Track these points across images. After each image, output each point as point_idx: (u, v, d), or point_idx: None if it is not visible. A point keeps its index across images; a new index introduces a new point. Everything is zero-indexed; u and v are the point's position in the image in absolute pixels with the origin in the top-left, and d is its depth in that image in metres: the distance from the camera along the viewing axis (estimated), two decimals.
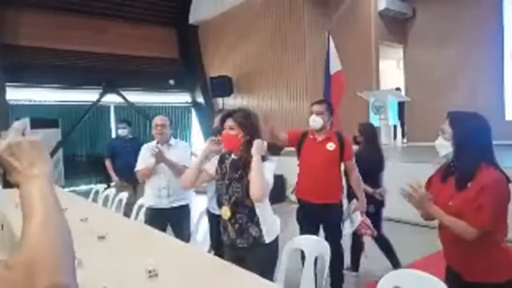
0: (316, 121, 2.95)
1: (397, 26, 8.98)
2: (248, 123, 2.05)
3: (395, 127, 8.45)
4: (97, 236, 2.39)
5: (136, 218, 3.49)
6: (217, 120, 3.09)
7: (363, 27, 8.34)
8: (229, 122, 2.06)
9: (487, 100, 6.79)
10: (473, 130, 1.67)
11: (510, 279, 1.65)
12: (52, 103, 8.71)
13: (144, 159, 3.23)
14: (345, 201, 3.21)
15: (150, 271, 1.74)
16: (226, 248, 2.14)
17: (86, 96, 9.06)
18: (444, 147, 1.74)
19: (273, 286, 1.79)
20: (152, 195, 3.24)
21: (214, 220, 2.94)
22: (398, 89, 8.67)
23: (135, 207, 3.70)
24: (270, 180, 2.00)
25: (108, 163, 4.96)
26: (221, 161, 2.17)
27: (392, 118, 7.71)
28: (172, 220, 3.19)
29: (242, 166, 2.03)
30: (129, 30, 9.45)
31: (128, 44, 9.33)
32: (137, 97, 9.73)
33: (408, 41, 9.20)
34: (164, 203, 3.19)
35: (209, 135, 3.24)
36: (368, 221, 3.12)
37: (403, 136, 9.02)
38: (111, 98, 9.43)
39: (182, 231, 3.18)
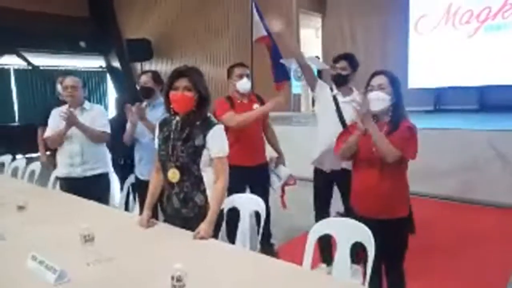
0: (247, 84, 2.93)
1: None
2: (202, 84, 1.95)
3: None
4: (16, 206, 2.18)
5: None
6: (144, 79, 2.95)
7: None
8: (184, 83, 1.91)
9: (394, 68, 7.42)
10: (401, 89, 2.05)
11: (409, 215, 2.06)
12: None
13: (55, 123, 2.92)
14: None
15: (85, 236, 1.66)
16: (170, 218, 2.06)
17: None
18: (384, 100, 1.98)
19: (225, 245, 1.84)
20: (64, 164, 2.95)
21: (143, 186, 2.86)
22: (317, 57, 9.05)
23: (51, 179, 3.43)
24: (226, 146, 2.00)
25: (41, 133, 3.82)
26: (164, 124, 2.06)
27: None
28: (87, 190, 2.77)
29: (189, 126, 1.95)
30: None
31: None
32: (42, 60, 8.71)
33: (326, 11, 9.57)
34: (78, 172, 2.91)
35: (128, 102, 2.99)
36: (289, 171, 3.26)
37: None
38: (11, 60, 8.31)
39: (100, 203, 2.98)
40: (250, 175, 2.95)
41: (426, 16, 8.16)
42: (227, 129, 2.91)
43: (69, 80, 2.93)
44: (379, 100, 1.98)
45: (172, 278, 1.29)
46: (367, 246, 1.71)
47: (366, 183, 2.05)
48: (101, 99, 9.67)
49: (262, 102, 3.04)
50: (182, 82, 1.91)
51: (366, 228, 1.73)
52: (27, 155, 6.43)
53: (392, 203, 2.01)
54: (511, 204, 4.22)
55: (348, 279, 1.72)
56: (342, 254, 1.80)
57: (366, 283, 1.65)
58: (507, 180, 4.32)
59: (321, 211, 2.91)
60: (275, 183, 3.19)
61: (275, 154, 3.27)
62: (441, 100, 8.28)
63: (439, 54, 8.03)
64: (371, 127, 1.93)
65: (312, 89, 2.89)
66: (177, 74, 1.94)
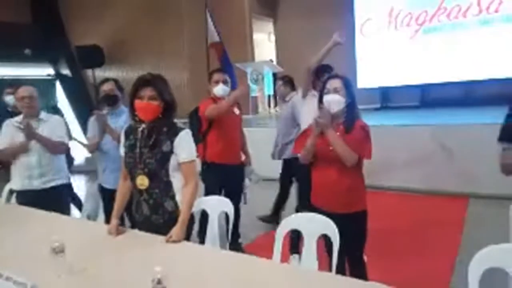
0: (225, 90, 3.11)
1: (268, 1, 9.50)
2: (167, 92, 1.97)
3: (269, 96, 9.10)
4: None
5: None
6: (108, 87, 2.92)
7: (238, 1, 8.58)
8: (149, 92, 1.92)
9: (344, 69, 7.80)
10: (354, 91, 2.20)
11: (366, 209, 2.21)
12: None
13: (6, 137, 2.79)
14: None
15: (55, 248, 1.64)
16: (140, 225, 2.07)
17: None
18: (339, 103, 2.12)
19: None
20: (20, 176, 2.83)
21: (108, 195, 2.84)
22: (271, 60, 9.28)
23: (4, 193, 3.27)
24: (193, 150, 2.05)
25: None
26: (129, 132, 2.06)
27: (268, 88, 8.26)
28: (46, 203, 2.64)
29: (156, 133, 1.96)
30: None
31: None
32: None
33: (278, 15, 9.84)
34: (36, 185, 2.80)
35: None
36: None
37: (275, 105, 9.79)
38: None
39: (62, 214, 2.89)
40: (229, 173, 3.12)
41: (371, 19, 8.66)
42: (210, 129, 3.06)
43: (24, 90, 2.80)
44: (335, 102, 2.11)
45: (153, 281, 1.33)
46: (332, 239, 1.84)
47: (325, 180, 2.17)
48: (50, 107, 9.16)
49: (240, 107, 3.31)
50: (147, 91, 1.92)
51: (331, 222, 1.86)
52: None
53: (350, 198, 2.15)
54: (457, 192, 4.60)
55: (316, 269, 1.84)
56: (309, 246, 1.92)
57: (333, 272, 1.78)
58: (453, 170, 4.70)
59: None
60: (247, 185, 3.36)
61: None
62: (387, 98, 8.81)
63: (384, 55, 8.56)
64: (330, 135, 2.06)
65: (304, 96, 3.12)
66: (142, 82, 1.94)
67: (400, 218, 4.11)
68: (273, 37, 10.29)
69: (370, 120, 2.38)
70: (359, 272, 2.16)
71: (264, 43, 10.52)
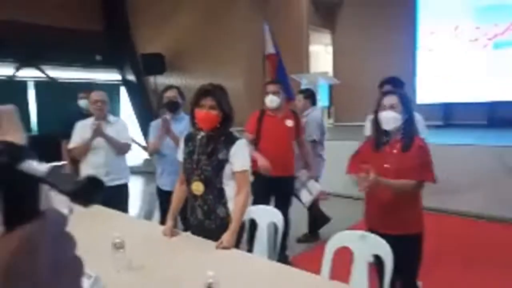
0: (273, 101, 3.18)
1: (325, 12, 9.47)
2: (225, 102, 2.05)
3: (323, 108, 9.01)
4: None
5: None
6: (172, 94, 3.08)
7: (295, 13, 8.65)
8: (209, 102, 2.00)
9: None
10: (412, 107, 2.15)
11: (423, 231, 2.11)
12: None
13: (79, 135, 3.05)
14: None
15: (116, 244, 1.76)
16: (193, 228, 2.15)
17: None
18: (397, 120, 2.06)
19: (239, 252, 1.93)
20: (88, 174, 3.06)
21: (164, 197, 2.98)
22: (326, 73, 9.21)
23: None
24: (248, 161, 2.10)
25: (65, 145, 3.66)
26: (189, 139, 2.16)
27: (323, 100, 8.19)
28: (110, 200, 2.71)
29: (213, 142, 2.04)
30: None
31: (46, 12, 8.46)
32: (59, 73, 8.94)
33: (336, 27, 9.76)
34: None
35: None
36: (320, 187, 3.46)
37: (329, 117, 9.67)
38: (29, 73, 8.57)
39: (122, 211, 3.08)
40: (275, 185, 3.12)
41: (434, 33, 8.28)
42: (258, 140, 3.13)
43: (97, 95, 3.08)
44: (391, 119, 2.06)
45: (205, 284, 1.38)
46: (385, 259, 1.78)
47: (379, 199, 2.09)
48: (115, 109, 9.79)
49: (296, 119, 3.28)
50: (207, 101, 2.01)
51: (384, 242, 1.80)
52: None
53: (406, 219, 2.06)
54: None
55: None
56: (359, 266, 1.87)
57: None
58: None
59: None
60: (306, 197, 3.33)
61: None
62: (450, 115, 8.33)
63: (448, 69, 8.12)
64: (383, 184, 1.97)
65: None
66: (203, 92, 2.04)
67: (459, 243, 3.83)
68: (330, 49, 10.20)
69: (431, 137, 2.29)
70: None
71: (321, 54, 10.46)
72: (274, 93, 3.17)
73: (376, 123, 2.15)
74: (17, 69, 8.33)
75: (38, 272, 0.27)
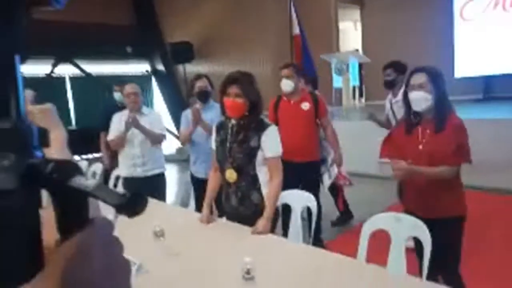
0: (287, 85, 3.11)
1: None
2: (252, 90, 2.05)
3: (354, 87, 8.80)
4: None
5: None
6: (202, 84, 3.10)
7: None
8: (235, 90, 2.01)
9: (438, 58, 7.19)
10: (445, 84, 1.99)
11: (465, 214, 1.99)
12: None
13: (116, 128, 3.16)
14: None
15: (157, 232, 1.83)
16: (229, 215, 2.19)
17: (37, 67, 8.50)
18: (426, 100, 1.93)
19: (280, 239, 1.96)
20: (126, 165, 3.20)
21: (198, 184, 3.05)
22: (356, 50, 8.94)
23: (112, 178, 3.71)
24: (279, 146, 2.11)
25: (103, 137, 3.81)
26: (220, 127, 2.20)
27: (353, 79, 8.00)
28: (147, 189, 3.00)
29: (244, 129, 2.07)
30: None
31: (78, 9, 8.71)
32: (92, 67, 9.25)
33: (365, 2, 9.40)
34: (139, 172, 3.15)
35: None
36: (344, 172, 3.36)
37: (361, 96, 9.42)
38: (66, 69, 8.92)
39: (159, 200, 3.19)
40: (300, 171, 3.05)
41: (472, 1, 7.80)
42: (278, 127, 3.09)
43: (130, 87, 3.17)
44: (420, 100, 1.94)
45: (242, 269, 1.42)
46: (424, 242, 1.74)
47: (415, 182, 2.00)
48: (147, 99, 10.03)
49: (315, 101, 3.16)
50: (233, 89, 2.02)
51: (421, 224, 1.76)
52: (86, 157, 6.92)
53: (443, 201, 1.96)
54: None
55: (404, 273, 1.77)
56: (397, 249, 1.85)
57: (424, 278, 1.69)
58: None
59: None
60: (326, 181, 3.28)
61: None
62: (491, 88, 7.90)
63: (488, 40, 7.65)
64: (421, 171, 1.91)
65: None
66: (230, 80, 2.05)
67: (499, 226, 3.61)
68: (359, 26, 9.87)
69: (469, 112, 2.12)
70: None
71: (350, 31, 10.15)
72: (288, 77, 3.10)
73: (406, 104, 2.03)
74: (54, 65, 8.69)
75: (92, 277, 0.29)
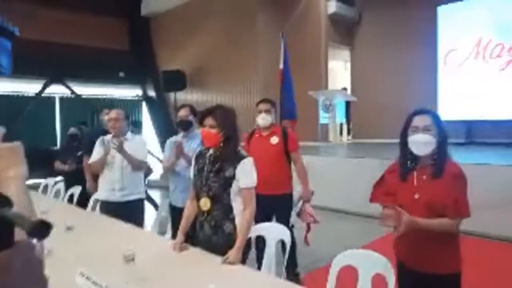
0: (265, 119, 3.18)
1: (344, 29, 9.56)
2: (227, 122, 2.13)
3: (341, 125, 9.00)
4: (65, 227, 2.40)
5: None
6: (183, 114, 3.18)
7: (314, 30, 8.77)
8: (210, 121, 2.11)
9: (422, 100, 7.46)
10: (446, 128, 1.85)
11: (460, 271, 1.82)
12: None
13: (98, 151, 3.21)
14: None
15: (127, 256, 1.83)
16: (201, 245, 2.20)
17: (28, 86, 8.56)
18: (431, 144, 1.78)
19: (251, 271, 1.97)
20: (105, 189, 3.21)
21: (176, 213, 3.05)
22: (344, 89, 9.23)
23: (91, 201, 3.68)
24: (253, 178, 2.14)
25: (86, 161, 3.77)
26: (199, 157, 2.25)
27: (340, 116, 8.20)
28: (124, 214, 2.94)
29: (221, 159, 2.12)
30: (77, 18, 9.02)
31: (75, 33, 8.91)
32: (84, 89, 9.34)
33: (355, 43, 9.80)
34: (117, 196, 3.15)
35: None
36: (310, 210, 3.32)
37: (348, 133, 9.62)
38: (56, 89, 8.99)
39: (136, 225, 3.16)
40: (272, 204, 3.06)
41: (455, 50, 8.20)
42: None
43: (113, 113, 3.25)
44: (425, 144, 1.77)
45: None
46: (387, 278, 1.77)
47: (409, 232, 1.74)
48: (135, 122, 10.06)
49: (284, 136, 3.21)
50: (209, 121, 2.12)
51: (385, 260, 1.79)
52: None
53: (439, 255, 1.80)
54: None
55: None
56: (363, 285, 1.87)
57: None
58: None
59: None
60: (292, 216, 3.27)
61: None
62: (473, 133, 8.16)
63: (470, 87, 8.00)
64: (421, 223, 1.72)
65: None
66: (206, 112, 2.17)
67: (491, 268, 3.63)
68: (349, 65, 10.24)
69: (453, 155, 2.00)
70: None
71: (340, 71, 10.51)
72: (266, 111, 3.17)
73: (403, 147, 1.86)
74: (45, 85, 8.75)
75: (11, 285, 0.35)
